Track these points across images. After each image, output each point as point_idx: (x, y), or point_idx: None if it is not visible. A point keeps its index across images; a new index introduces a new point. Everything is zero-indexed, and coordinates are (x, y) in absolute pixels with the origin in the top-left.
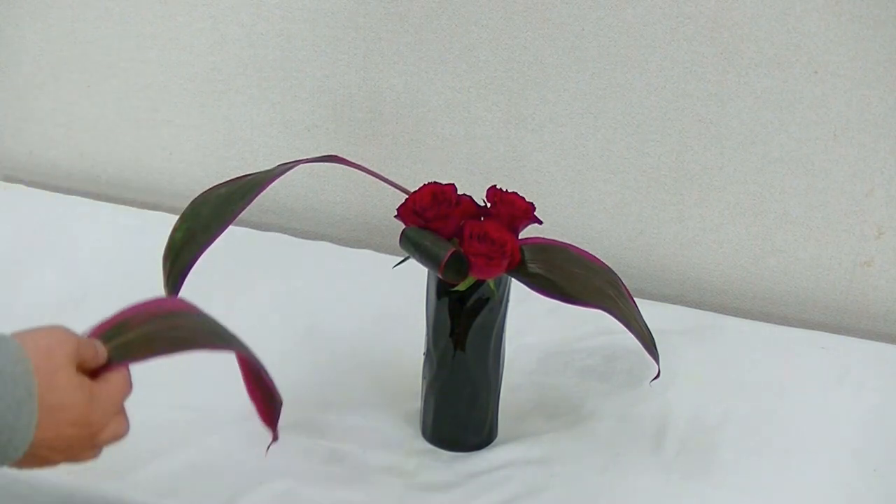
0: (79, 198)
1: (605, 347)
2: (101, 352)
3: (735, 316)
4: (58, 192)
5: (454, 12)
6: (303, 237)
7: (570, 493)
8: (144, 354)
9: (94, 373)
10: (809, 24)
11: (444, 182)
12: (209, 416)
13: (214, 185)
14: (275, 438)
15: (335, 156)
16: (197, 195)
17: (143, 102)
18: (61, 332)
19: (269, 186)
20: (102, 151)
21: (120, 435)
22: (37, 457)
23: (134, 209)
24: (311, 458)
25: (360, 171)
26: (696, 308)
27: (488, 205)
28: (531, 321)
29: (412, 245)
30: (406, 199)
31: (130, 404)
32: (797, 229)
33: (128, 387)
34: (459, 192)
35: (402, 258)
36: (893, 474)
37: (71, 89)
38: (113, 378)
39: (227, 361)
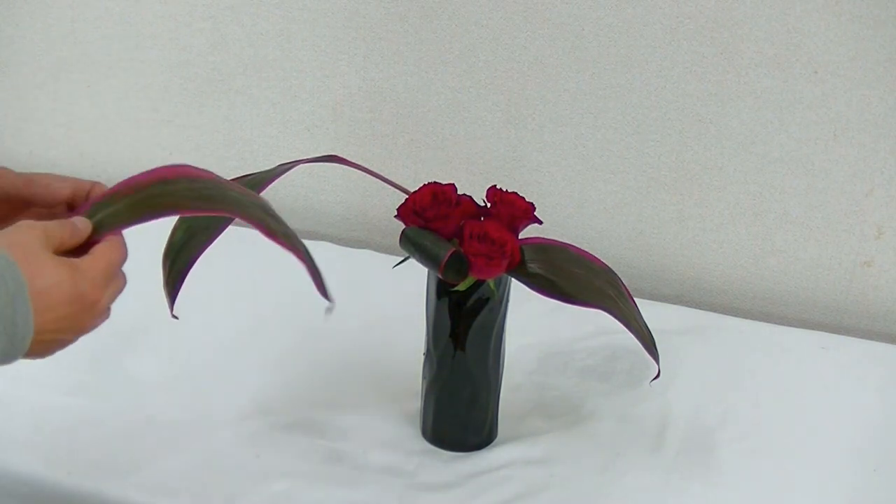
0: None
1: (605, 347)
2: (81, 228)
3: (735, 316)
4: None
5: (454, 12)
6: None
7: (570, 493)
8: (126, 221)
9: (81, 249)
10: (809, 24)
11: (444, 182)
12: (209, 416)
13: None
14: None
15: (335, 156)
16: None
17: (143, 102)
18: (24, 223)
19: (269, 186)
20: (102, 151)
21: (119, 291)
22: (46, 342)
23: None
24: (311, 458)
25: (360, 171)
26: (696, 308)
27: (488, 205)
28: (531, 321)
29: (412, 245)
30: (406, 199)
31: (132, 405)
32: (797, 229)
33: (116, 253)
34: (459, 192)
35: (402, 258)
36: (893, 474)
37: (71, 89)
38: (98, 249)
39: (226, 361)
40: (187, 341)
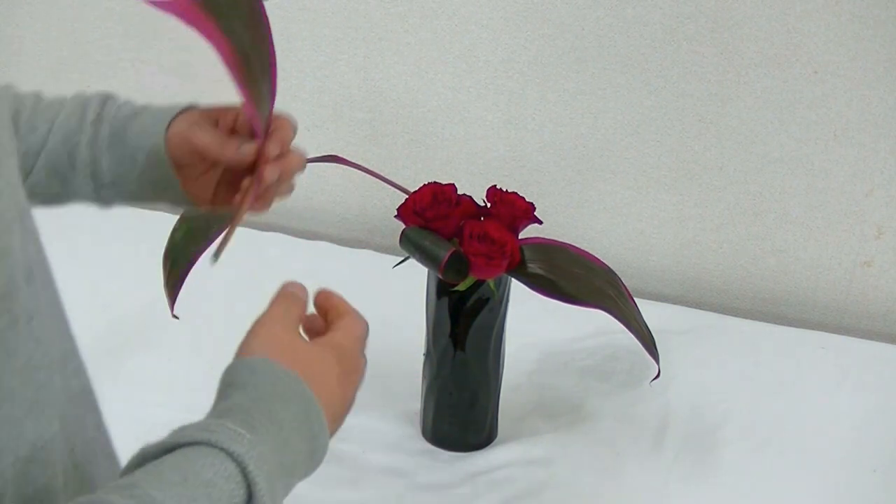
0: None
1: (605, 347)
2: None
3: (735, 316)
4: None
5: (454, 12)
6: (303, 237)
7: (570, 493)
8: None
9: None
10: (809, 24)
11: (444, 182)
12: None
13: None
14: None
15: (335, 156)
16: None
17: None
18: (269, 321)
19: None
20: None
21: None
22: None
23: (134, 209)
24: None
25: (360, 171)
26: (696, 308)
27: (488, 205)
28: (531, 321)
29: (412, 245)
30: (406, 199)
31: (132, 405)
32: (797, 229)
33: (360, 326)
34: (459, 192)
35: (402, 258)
36: (893, 474)
37: (71, 89)
38: (343, 325)
39: (226, 361)
40: (187, 341)
